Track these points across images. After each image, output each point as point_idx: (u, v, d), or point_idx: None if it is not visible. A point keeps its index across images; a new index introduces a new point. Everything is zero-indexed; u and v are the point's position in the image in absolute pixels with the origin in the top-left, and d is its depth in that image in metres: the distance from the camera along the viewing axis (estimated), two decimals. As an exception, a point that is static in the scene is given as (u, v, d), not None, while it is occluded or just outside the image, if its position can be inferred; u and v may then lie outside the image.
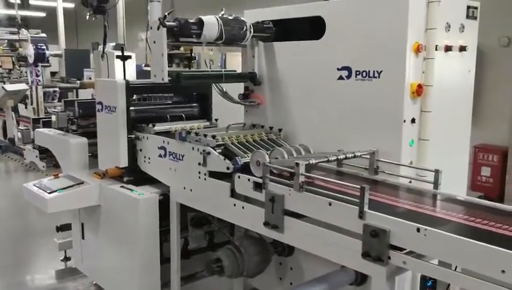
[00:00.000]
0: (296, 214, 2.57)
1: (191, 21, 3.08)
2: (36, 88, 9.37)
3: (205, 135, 3.10)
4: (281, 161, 2.69)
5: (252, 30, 3.30)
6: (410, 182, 2.76)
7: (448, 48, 2.90)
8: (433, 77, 2.79)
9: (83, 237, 4.06)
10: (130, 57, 3.79)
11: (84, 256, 4.11)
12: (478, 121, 7.62)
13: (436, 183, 2.56)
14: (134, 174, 3.66)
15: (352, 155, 2.76)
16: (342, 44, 3.00)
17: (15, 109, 10.32)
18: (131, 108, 3.65)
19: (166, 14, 3.08)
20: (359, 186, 2.20)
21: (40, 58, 10.08)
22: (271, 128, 3.42)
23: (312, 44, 3.18)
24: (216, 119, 3.94)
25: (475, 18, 3.10)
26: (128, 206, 3.42)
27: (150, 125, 3.56)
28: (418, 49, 2.73)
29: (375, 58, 2.83)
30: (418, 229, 2.00)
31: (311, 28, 3.25)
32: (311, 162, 2.54)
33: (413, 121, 2.79)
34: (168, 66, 3.15)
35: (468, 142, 3.28)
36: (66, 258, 4.84)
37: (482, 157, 7.36)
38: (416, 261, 2.04)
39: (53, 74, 11.84)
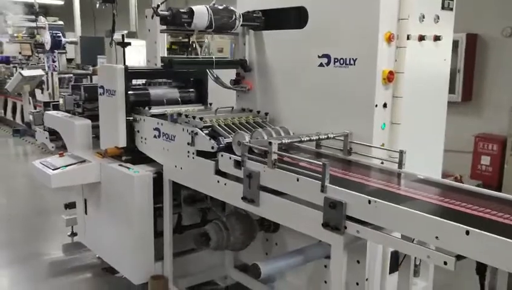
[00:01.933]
0: (271, 189, 2.80)
1: (182, 10, 3.30)
2: (52, 74, 9.72)
3: (194, 117, 3.33)
4: (258, 141, 2.91)
5: (241, 19, 3.51)
6: (382, 163, 2.96)
7: (421, 38, 3.07)
8: (404, 65, 2.97)
9: (85, 213, 4.34)
10: (129, 43, 4.02)
11: (87, 230, 4.40)
12: (480, 111, 7.76)
13: (400, 163, 2.75)
14: (132, 153, 3.91)
15: (326, 137, 2.97)
16: (323, 33, 3.20)
17: (32, 94, 10.72)
18: (131, 92, 3.90)
19: (159, 3, 3.30)
20: (321, 163, 2.41)
21: (56, 45, 10.41)
22: (258, 112, 3.64)
23: (296, 33, 3.37)
24: (210, 104, 4.17)
25: (451, 9, 3.26)
26: (125, 182, 3.68)
27: (147, 108, 3.81)
28: (389, 39, 2.91)
29: (351, 47, 3.02)
30: (369, 201, 2.22)
31: (300, 18, 3.45)
32: (283, 142, 2.76)
33: (385, 105, 2.98)
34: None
35: (443, 128, 3.45)
36: (73, 234, 5.14)
37: (482, 147, 7.46)
38: (367, 230, 2.25)
39: (69, 60, 12.18)
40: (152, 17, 3.32)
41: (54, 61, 10.36)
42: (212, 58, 3.61)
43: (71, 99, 4.65)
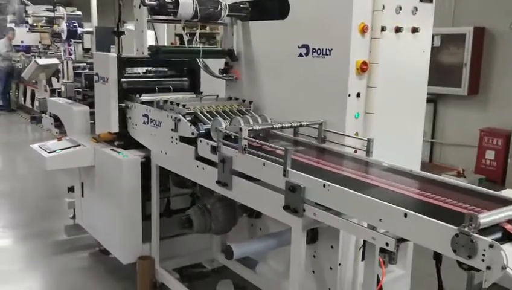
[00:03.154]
0: (245, 174, 2.90)
1: (168, 1, 3.42)
2: (67, 63, 9.95)
3: (177, 104, 3.46)
4: (232, 127, 3.02)
5: (227, 10, 3.61)
6: (355, 151, 3.04)
7: (398, 29, 3.13)
8: (378, 55, 3.03)
9: (82, 195, 4.53)
10: (123, 33, 4.16)
11: (83, 212, 4.59)
12: (486, 105, 7.72)
13: (368, 151, 2.84)
14: (124, 139, 4.05)
15: (299, 124, 3.07)
16: (302, 23, 3.27)
17: (49, 82, 11.01)
18: (124, 80, 4.04)
19: (146, -7, 3.42)
20: (283, 149, 2.51)
21: (72, 34, 10.65)
22: (244, 101, 3.75)
23: (279, 23, 3.45)
24: (201, 92, 4.28)
25: (430, 1, 3.30)
26: (114, 166, 3.84)
27: (137, 95, 3.95)
28: (363, 30, 2.97)
29: (327, 37, 3.09)
30: (324, 185, 2.31)
31: (283, 8, 3.52)
32: (254, 128, 2.87)
33: (358, 95, 3.05)
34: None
35: (422, 119, 3.49)
36: (74, 216, 5.32)
37: (487, 141, 7.44)
38: (322, 212, 2.35)
39: (87, 50, 12.44)
40: (139, 6, 3.45)
41: (70, 51, 10.60)
42: (199, 47, 3.72)
43: (72, 86, 4.83)
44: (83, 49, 11.98)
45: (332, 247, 3.04)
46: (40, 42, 13.86)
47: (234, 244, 3.05)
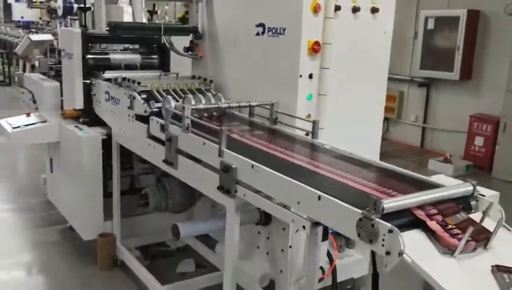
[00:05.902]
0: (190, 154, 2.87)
1: (127, -24, 3.37)
2: (61, 39, 9.94)
3: (133, 82, 3.42)
4: (179, 106, 2.98)
5: (189, -14, 3.55)
6: (307, 134, 2.98)
7: (356, 9, 3.05)
8: (332, 36, 2.96)
9: (51, 171, 4.54)
10: (89, 8, 4.11)
11: (52, 188, 4.60)
12: (479, 91, 7.57)
13: (313, 133, 2.79)
14: (90, 116, 4.04)
15: (248, 104, 3.02)
16: (259, 1, 3.21)
17: (45, 58, 11.01)
18: (91, 56, 4.01)
19: (104, -32, 3.37)
20: (220, 128, 2.47)
21: (68, 11, 10.60)
22: (205, 79, 3.70)
23: (239, 1, 3.39)
24: (169, 70, 4.23)
25: (392, -19, 3.21)
26: (75, 143, 3.83)
27: (101, 72, 3.91)
28: (315, 9, 2.90)
29: (281, 16, 3.03)
30: (252, 166, 2.28)
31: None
32: (198, 107, 2.82)
33: (310, 76, 2.99)
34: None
35: (383, 102, 3.42)
36: (50, 192, 5.34)
37: (477, 127, 7.32)
38: (250, 193, 2.32)
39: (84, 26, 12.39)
40: (98, -18, 3.40)
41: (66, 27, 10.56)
42: (161, 24, 3.67)
43: (46, 62, 4.81)
44: (81, 25, 11.92)
45: (284, 229, 3.01)
46: (40, 18, 13.86)
47: (181, 224, 3.02)
